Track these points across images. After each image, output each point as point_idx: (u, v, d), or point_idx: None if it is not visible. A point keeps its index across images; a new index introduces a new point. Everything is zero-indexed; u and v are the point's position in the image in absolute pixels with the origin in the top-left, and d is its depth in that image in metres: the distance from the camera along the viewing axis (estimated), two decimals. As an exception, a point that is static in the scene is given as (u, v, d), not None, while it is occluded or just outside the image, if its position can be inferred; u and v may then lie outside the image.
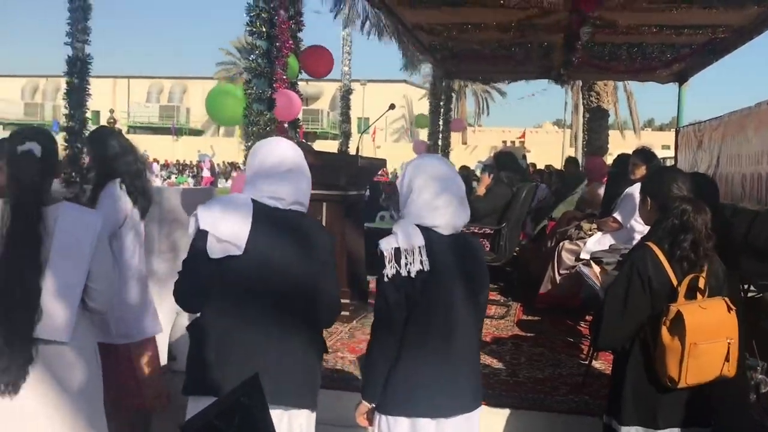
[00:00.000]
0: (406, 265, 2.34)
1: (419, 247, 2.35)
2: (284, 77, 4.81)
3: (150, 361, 3.61)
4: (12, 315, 2.32)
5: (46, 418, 2.40)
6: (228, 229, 2.34)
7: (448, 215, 2.42)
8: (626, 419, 2.77)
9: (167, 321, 4.17)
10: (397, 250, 2.35)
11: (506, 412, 3.85)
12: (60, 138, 5.52)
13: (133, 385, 3.48)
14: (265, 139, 2.75)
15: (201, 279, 2.40)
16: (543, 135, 50.47)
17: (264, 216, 2.40)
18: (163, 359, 4.01)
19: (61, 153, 5.21)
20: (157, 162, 35.24)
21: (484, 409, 2.60)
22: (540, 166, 17.43)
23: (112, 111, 7.43)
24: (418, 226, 2.40)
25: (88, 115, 4.92)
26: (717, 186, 4.01)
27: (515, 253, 7.20)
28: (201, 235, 2.37)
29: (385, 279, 2.37)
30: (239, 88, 4.64)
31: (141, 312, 3.55)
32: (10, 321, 2.31)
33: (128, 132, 44.56)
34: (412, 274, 2.34)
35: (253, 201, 2.42)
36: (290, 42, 4.97)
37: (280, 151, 2.53)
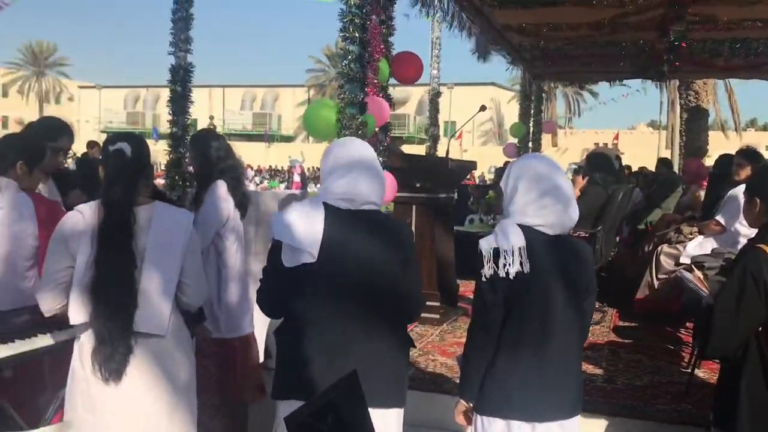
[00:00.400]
0: (504, 265, 2.30)
1: (519, 248, 2.30)
2: (375, 81, 4.86)
3: (251, 356, 3.73)
4: (112, 308, 2.43)
5: (146, 406, 2.52)
6: (300, 238, 2.36)
7: (553, 214, 2.36)
8: None
9: (264, 319, 4.29)
10: (496, 250, 2.32)
11: (603, 419, 3.75)
12: (163, 144, 5.79)
13: (236, 378, 3.60)
14: (336, 140, 2.76)
15: (278, 288, 2.45)
16: (637, 137, 48.87)
17: (336, 219, 2.39)
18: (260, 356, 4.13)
19: (164, 158, 5.49)
20: (251, 168, 36.34)
21: (581, 416, 2.53)
22: (634, 168, 16.89)
23: (212, 117, 7.75)
24: (521, 226, 2.36)
25: (191, 122, 5.15)
26: None
27: (610, 258, 7.00)
28: (275, 245, 2.42)
29: (483, 279, 2.35)
30: (336, 105, 4.71)
31: (243, 309, 3.67)
32: (112, 314, 2.43)
33: (223, 139, 46.01)
34: (511, 276, 2.30)
35: (325, 205, 2.42)
36: (381, 46, 5.02)
37: (350, 149, 2.53)
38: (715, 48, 8.47)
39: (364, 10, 4.49)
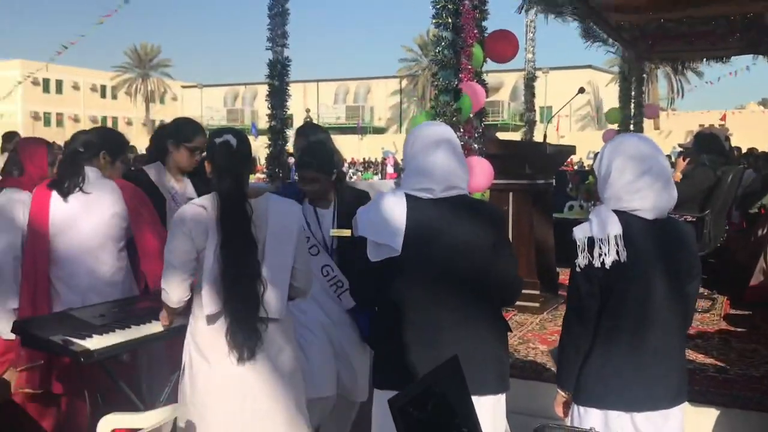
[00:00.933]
0: (600, 255, 2.23)
1: (615, 236, 2.22)
2: (470, 67, 4.81)
3: None
4: (243, 293, 2.54)
5: (269, 388, 2.62)
6: (383, 233, 2.38)
7: (651, 197, 2.26)
8: None
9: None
10: (591, 240, 2.25)
11: (714, 410, 3.58)
12: (263, 139, 5.95)
13: None
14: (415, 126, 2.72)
15: (368, 280, 2.50)
16: (746, 116, 46.12)
17: (418, 210, 2.39)
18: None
19: (264, 152, 5.66)
20: (345, 160, 36.85)
21: (688, 406, 2.43)
22: (744, 150, 15.98)
23: (308, 110, 7.90)
24: (617, 211, 2.28)
25: (289, 115, 5.29)
26: None
27: (720, 243, 6.67)
28: (361, 241, 2.45)
29: (578, 269, 2.29)
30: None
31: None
32: (243, 298, 2.54)
33: (318, 132, 46.87)
34: (607, 265, 2.23)
35: (407, 196, 2.41)
36: (475, 31, 4.95)
37: (425, 131, 2.51)
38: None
39: (457, -5, 4.44)
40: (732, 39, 9.07)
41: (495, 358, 2.48)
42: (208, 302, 2.56)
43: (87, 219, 3.31)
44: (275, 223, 2.64)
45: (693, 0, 7.20)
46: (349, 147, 46.03)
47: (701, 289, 6.30)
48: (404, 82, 57.02)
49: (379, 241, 2.40)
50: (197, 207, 2.60)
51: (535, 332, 5.07)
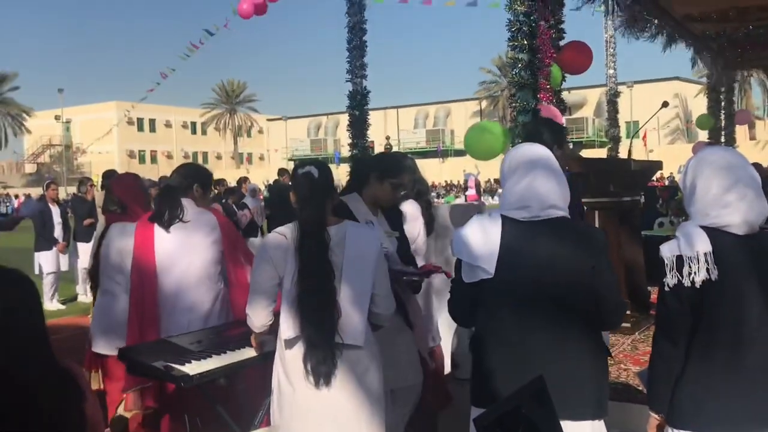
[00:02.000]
0: (689, 274, 2.15)
1: (705, 254, 2.15)
2: (548, 87, 4.81)
3: (437, 367, 3.81)
4: (319, 317, 2.61)
5: (348, 413, 2.66)
6: (476, 255, 2.39)
7: (741, 211, 2.17)
8: None
9: (446, 331, 4.38)
10: (679, 258, 2.18)
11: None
12: (345, 167, 6.09)
13: (426, 389, 3.70)
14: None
15: (463, 300, 2.51)
16: None
17: (514, 232, 2.38)
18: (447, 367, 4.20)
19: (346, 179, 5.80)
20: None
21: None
22: None
23: (388, 138, 8.03)
24: (705, 227, 2.21)
25: (370, 144, 5.44)
26: None
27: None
28: (457, 261, 2.47)
29: (666, 288, 2.22)
30: (496, 125, 4.75)
31: (427, 324, 3.77)
32: (319, 323, 2.61)
33: (399, 158, 47.29)
34: (697, 284, 2.15)
35: (503, 218, 2.41)
36: (552, 51, 4.96)
37: (523, 151, 2.50)
38: None
39: (531, 18, 4.47)
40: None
41: (592, 383, 2.42)
42: (285, 327, 2.66)
43: (189, 251, 3.58)
44: (353, 249, 2.70)
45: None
46: (430, 170, 45.97)
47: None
48: (484, 104, 56.86)
49: (473, 263, 2.42)
50: (279, 235, 2.71)
51: (626, 353, 4.94)
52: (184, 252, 3.57)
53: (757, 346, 2.19)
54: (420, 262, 3.71)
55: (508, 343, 2.40)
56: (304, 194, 2.71)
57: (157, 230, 3.58)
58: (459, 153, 55.58)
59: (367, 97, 5.19)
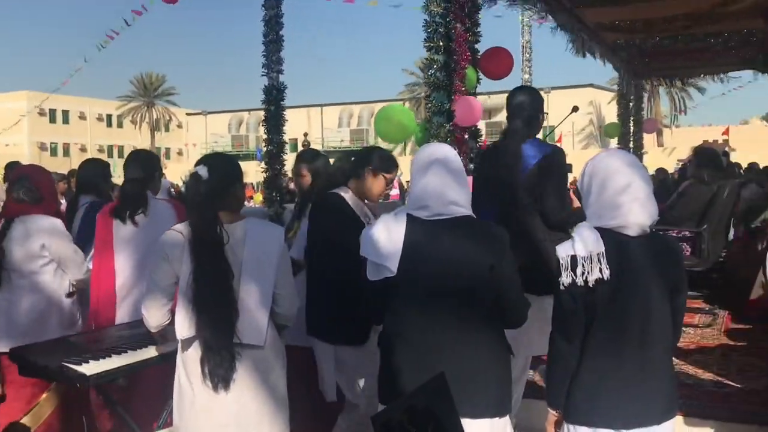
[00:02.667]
0: (582, 273, 2.23)
1: (598, 254, 2.22)
2: (463, 89, 4.86)
3: None
4: (215, 319, 2.55)
5: (250, 415, 2.62)
6: (380, 254, 2.42)
7: (632, 213, 2.26)
8: None
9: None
10: (573, 258, 2.25)
11: (713, 424, 3.57)
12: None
13: None
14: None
15: (372, 297, 2.54)
16: (750, 131, 46.07)
17: (417, 230, 2.41)
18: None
19: (261, 175, 5.72)
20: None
21: (686, 421, 2.43)
22: (745, 165, 15.96)
23: (306, 134, 7.95)
24: (600, 228, 2.28)
25: (286, 140, 5.35)
26: None
27: (721, 258, 6.66)
28: (363, 260, 2.49)
29: (561, 287, 2.28)
30: (405, 109, 4.76)
31: None
32: (215, 325, 2.54)
33: (322, 156, 47.16)
34: (590, 284, 2.23)
35: (409, 217, 2.44)
36: (468, 54, 5.01)
37: (427, 151, 2.54)
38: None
39: (447, 19, 4.51)
40: (728, 55, 9.14)
41: (493, 381, 2.45)
42: (180, 328, 2.59)
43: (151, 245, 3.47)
44: (254, 248, 2.64)
45: (687, 18, 7.25)
46: (353, 170, 46.16)
47: (703, 304, 6.34)
48: (408, 105, 57.29)
49: (377, 262, 2.44)
50: (176, 233, 2.63)
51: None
52: (145, 246, 3.40)
53: (647, 344, 2.27)
54: None
55: (410, 341, 2.43)
56: (191, 197, 2.62)
57: (118, 224, 3.48)
58: (382, 153, 55.81)
59: (283, 92, 5.12)
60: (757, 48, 8.58)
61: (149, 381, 3.25)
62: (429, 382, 1.97)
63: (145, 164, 3.70)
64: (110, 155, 58.04)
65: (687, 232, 5.93)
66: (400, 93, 57.84)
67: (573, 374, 2.32)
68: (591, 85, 49.08)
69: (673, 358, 2.47)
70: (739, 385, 4.14)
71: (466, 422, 2.19)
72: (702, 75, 12.16)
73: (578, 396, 2.31)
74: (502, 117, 51.53)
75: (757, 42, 8.27)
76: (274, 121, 5.10)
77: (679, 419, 2.38)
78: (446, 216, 2.43)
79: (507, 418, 2.51)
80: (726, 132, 37.41)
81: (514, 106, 3.79)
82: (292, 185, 6.56)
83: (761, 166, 13.02)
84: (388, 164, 3.52)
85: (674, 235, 5.80)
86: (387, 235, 2.43)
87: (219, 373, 2.54)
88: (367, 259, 2.49)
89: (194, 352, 2.60)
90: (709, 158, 7.10)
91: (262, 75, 5.06)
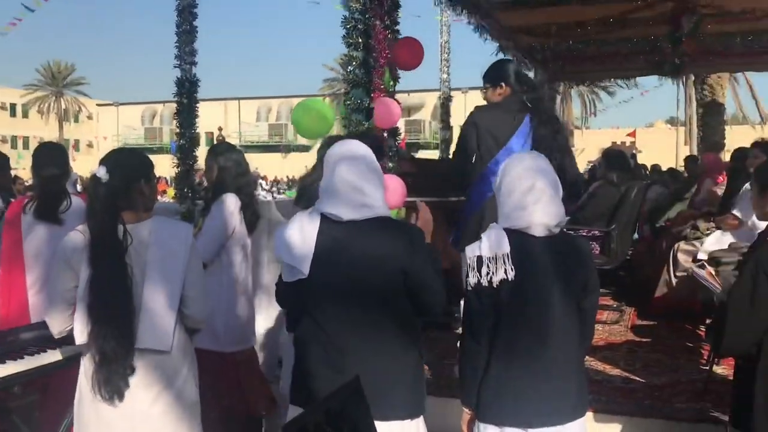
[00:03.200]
0: (488, 273, 2.27)
1: (504, 255, 2.26)
2: (382, 86, 4.85)
3: (255, 368, 3.72)
4: (110, 326, 2.41)
5: (153, 423, 2.50)
6: (293, 255, 2.36)
7: (536, 214, 2.30)
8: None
9: (277, 328, 4.29)
10: (479, 258, 2.28)
11: (620, 419, 3.68)
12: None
13: (241, 391, 3.58)
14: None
15: (287, 298, 2.51)
16: (655, 134, 48.35)
17: (330, 231, 2.35)
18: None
19: (172, 171, 5.54)
20: (266, 179, 36.55)
21: (595, 417, 2.49)
22: (651, 166, 16.71)
23: (220, 129, 7.75)
24: (509, 229, 2.32)
25: (202, 135, 5.20)
26: None
27: (628, 256, 6.91)
28: (279, 260, 2.45)
29: (468, 288, 2.31)
30: (320, 102, 4.72)
31: (247, 323, 3.67)
32: (110, 332, 2.41)
33: (240, 151, 46.43)
34: (494, 284, 2.26)
35: (323, 217, 2.37)
36: (387, 52, 5.00)
37: (339, 147, 2.47)
38: (727, 41, 8.38)
39: (367, 16, 4.49)
40: (637, 61, 9.51)
41: (405, 382, 2.42)
42: (78, 334, 2.46)
43: None
44: (159, 248, 2.53)
45: (598, 24, 7.50)
46: (272, 165, 45.62)
47: (611, 301, 6.56)
48: (327, 101, 57.08)
49: (291, 263, 2.38)
50: (77, 234, 2.50)
51: (450, 348, 5.09)
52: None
53: (553, 344, 2.31)
54: (239, 259, 3.61)
55: (322, 343, 2.38)
56: (90, 201, 2.49)
57: (31, 225, 3.34)
58: (302, 149, 55.45)
59: (196, 85, 4.96)
60: (663, 54, 8.96)
61: (57, 387, 3.07)
62: (344, 386, 1.94)
63: (60, 159, 3.56)
64: (14, 146, 55.14)
65: (596, 232, 6.11)
66: (321, 89, 57.52)
67: (484, 373, 2.33)
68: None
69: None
70: (644, 381, 4.29)
71: (380, 425, 2.16)
72: (612, 79, 12.60)
73: (487, 395, 2.34)
74: (421, 115, 52.28)
75: (662, 48, 8.64)
76: (186, 114, 4.94)
77: (589, 415, 2.42)
78: (359, 217, 2.36)
79: (420, 419, 2.49)
80: (633, 134, 39.14)
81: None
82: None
83: (664, 168, 13.66)
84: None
85: (584, 234, 5.97)
86: (300, 236, 2.37)
87: (113, 383, 2.42)
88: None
89: (91, 361, 2.46)
90: (617, 160, 7.37)
91: (175, 67, 4.89)
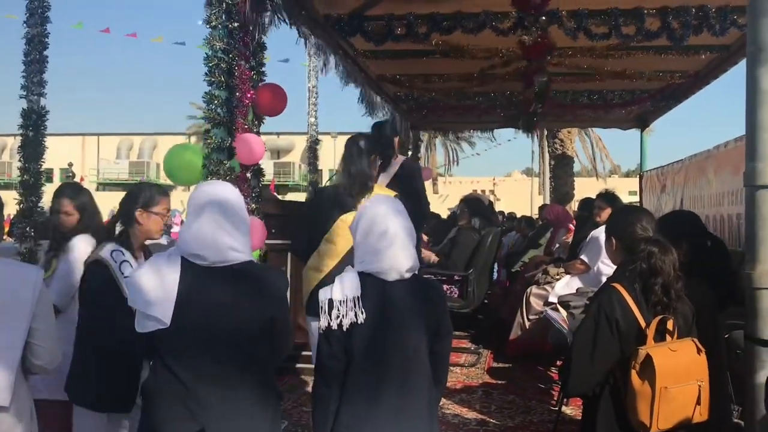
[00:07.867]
0: (337, 317, 2.25)
1: (354, 298, 2.26)
2: (245, 126, 4.77)
3: None
4: None
5: None
6: (151, 305, 2.20)
7: (387, 259, 2.32)
8: None
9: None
10: (330, 301, 2.27)
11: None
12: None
13: None
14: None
15: (140, 351, 2.38)
16: (512, 183, 51.04)
17: (191, 278, 2.23)
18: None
19: (14, 208, 5.13)
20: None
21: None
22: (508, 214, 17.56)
23: (70, 164, 7.32)
24: (363, 273, 2.32)
25: (56, 170, 4.85)
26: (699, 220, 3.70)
27: (485, 300, 7.15)
28: (131, 310, 2.26)
29: (320, 331, 2.29)
30: (196, 148, 4.62)
31: None
32: None
33: (98, 189, 44.22)
34: (344, 327, 2.25)
35: (183, 261, 2.25)
36: (251, 92, 4.94)
37: (205, 190, 2.37)
38: (575, 98, 9.01)
39: (230, 56, 4.42)
40: (494, 114, 10.01)
41: (263, 428, 2.32)
42: None
43: None
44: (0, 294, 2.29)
45: (459, 77, 7.83)
46: (132, 205, 43.69)
47: (468, 344, 6.74)
48: (193, 139, 55.73)
49: (147, 312, 2.21)
50: None
51: (309, 395, 5.00)
52: None
53: (403, 388, 2.31)
54: None
55: (178, 396, 2.22)
56: None
57: None
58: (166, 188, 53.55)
59: (44, 117, 4.66)
60: (518, 109, 9.49)
61: None
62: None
63: None
64: None
65: (456, 276, 6.29)
66: (188, 128, 56.14)
67: (334, 417, 2.29)
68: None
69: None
70: (498, 423, 4.40)
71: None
72: (471, 130, 13.18)
73: None
74: (291, 157, 52.32)
75: (517, 103, 9.15)
76: (31, 149, 4.61)
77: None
78: (222, 263, 2.27)
79: None
80: (492, 183, 41.08)
81: None
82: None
83: (519, 215, 14.37)
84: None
85: (442, 279, 6.12)
86: (158, 282, 2.21)
87: None
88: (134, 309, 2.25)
89: None
90: (478, 206, 7.68)
91: (21, 97, 4.58)
